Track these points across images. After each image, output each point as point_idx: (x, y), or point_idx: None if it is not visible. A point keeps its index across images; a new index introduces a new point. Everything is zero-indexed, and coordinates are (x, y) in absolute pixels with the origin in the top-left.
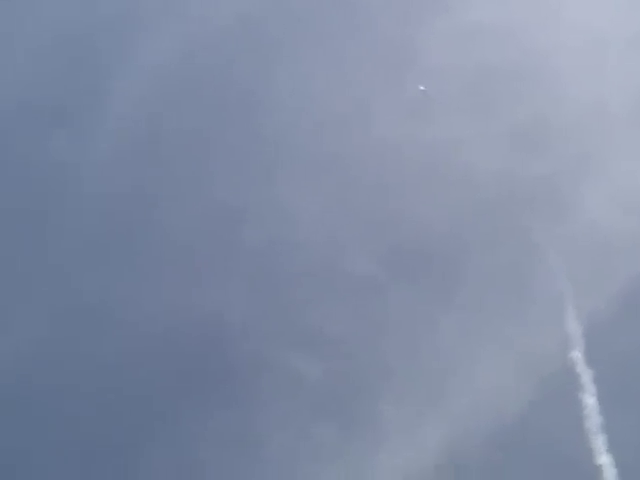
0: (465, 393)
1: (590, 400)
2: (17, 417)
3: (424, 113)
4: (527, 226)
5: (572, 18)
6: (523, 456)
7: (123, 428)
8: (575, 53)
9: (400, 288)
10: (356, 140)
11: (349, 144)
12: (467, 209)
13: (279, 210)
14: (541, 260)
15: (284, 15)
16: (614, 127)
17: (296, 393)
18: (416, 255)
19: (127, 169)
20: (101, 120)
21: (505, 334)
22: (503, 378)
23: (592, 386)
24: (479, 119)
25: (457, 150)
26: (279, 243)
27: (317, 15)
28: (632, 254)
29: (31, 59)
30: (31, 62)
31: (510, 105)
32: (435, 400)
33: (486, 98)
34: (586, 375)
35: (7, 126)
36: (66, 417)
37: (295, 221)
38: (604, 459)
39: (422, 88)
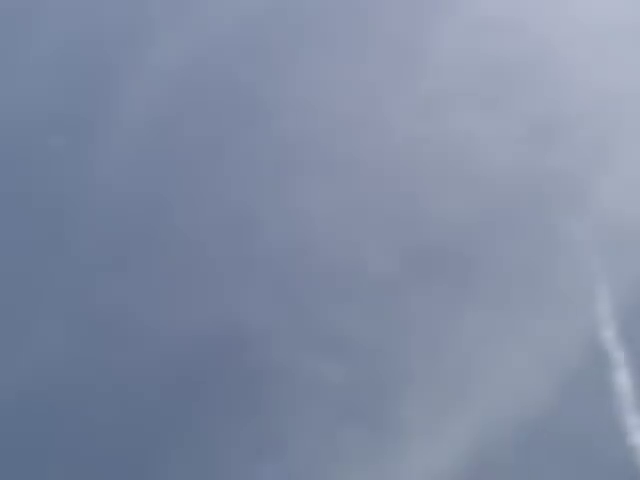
0: (491, 391)
1: (621, 402)
2: (35, 431)
3: (438, 110)
4: (548, 219)
5: (584, 8)
6: (555, 452)
7: (146, 437)
8: (589, 43)
9: (421, 287)
10: (370, 140)
11: (363, 144)
12: (485, 205)
13: (295, 213)
14: (564, 253)
15: (292, 17)
16: (632, 116)
17: (319, 397)
18: (436, 253)
19: (141, 177)
20: (113, 127)
21: (529, 330)
22: (529, 375)
23: (623, 381)
24: (494, 114)
25: (473, 146)
26: (296, 247)
27: (325, 17)
28: None
29: (42, 68)
30: (42, 71)
31: (525, 98)
32: (460, 399)
33: (500, 93)
34: (617, 372)
35: (17, 136)
36: (88, 428)
37: (312, 224)
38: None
39: None
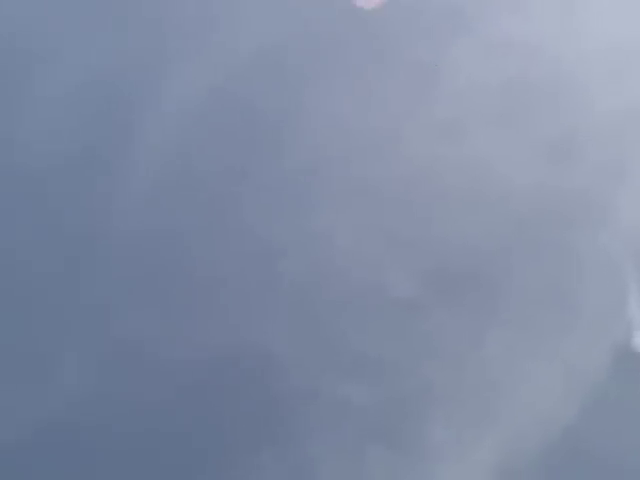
0: (515, 410)
1: None
2: (66, 463)
3: (456, 132)
4: (570, 238)
5: (600, 28)
6: (585, 472)
7: (170, 467)
8: (605, 63)
9: (442, 308)
10: (388, 164)
11: (383, 169)
12: (506, 226)
13: (315, 239)
14: (588, 272)
15: (309, 44)
16: None
17: (343, 419)
18: (457, 274)
19: (161, 207)
20: (131, 160)
21: (553, 348)
22: (555, 393)
23: None
24: (511, 135)
25: (492, 167)
26: (318, 271)
27: (340, 42)
28: None
29: (60, 105)
30: (61, 108)
31: (543, 119)
32: (484, 419)
33: (518, 114)
34: None
35: (37, 172)
36: (109, 458)
37: (332, 249)
38: None
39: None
